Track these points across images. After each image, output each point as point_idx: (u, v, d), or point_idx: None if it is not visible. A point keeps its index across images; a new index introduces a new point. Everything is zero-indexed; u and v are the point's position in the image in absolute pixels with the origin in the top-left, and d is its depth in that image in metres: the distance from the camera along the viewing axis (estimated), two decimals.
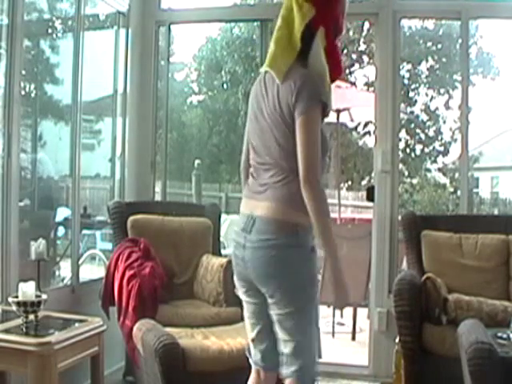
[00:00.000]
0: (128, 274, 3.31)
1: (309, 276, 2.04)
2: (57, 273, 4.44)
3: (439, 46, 13.86)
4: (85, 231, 4.99)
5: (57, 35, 5.02)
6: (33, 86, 4.65)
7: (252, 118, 2.16)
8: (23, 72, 3.38)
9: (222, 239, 4.65)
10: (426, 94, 14.94)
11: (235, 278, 2.20)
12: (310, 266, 2.04)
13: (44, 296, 2.79)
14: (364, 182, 14.73)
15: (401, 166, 9.57)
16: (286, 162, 2.03)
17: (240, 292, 2.22)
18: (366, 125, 14.20)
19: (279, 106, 2.02)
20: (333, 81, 2.08)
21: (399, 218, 3.98)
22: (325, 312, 5.34)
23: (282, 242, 2.00)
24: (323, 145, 2.01)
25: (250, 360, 2.26)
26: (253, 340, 2.22)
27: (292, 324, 2.03)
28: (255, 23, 6.63)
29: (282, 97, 2.01)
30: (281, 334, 2.07)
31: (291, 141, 1.99)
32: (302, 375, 2.05)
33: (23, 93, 3.72)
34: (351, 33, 13.93)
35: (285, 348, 2.07)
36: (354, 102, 6.34)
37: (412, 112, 14.59)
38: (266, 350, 2.18)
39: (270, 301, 2.06)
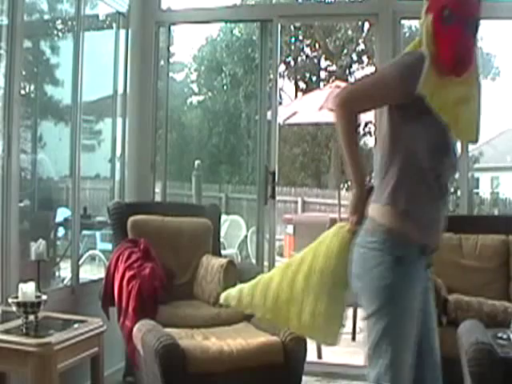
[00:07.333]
0: (128, 274, 3.31)
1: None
2: (57, 273, 4.45)
3: None
4: (85, 232, 4.99)
5: (57, 36, 5.03)
6: (33, 87, 4.66)
7: None
8: (23, 72, 3.39)
9: (221, 240, 4.65)
10: None
11: None
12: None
13: (44, 297, 2.79)
14: None
15: None
16: None
17: None
18: (366, 125, 14.18)
19: None
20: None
21: None
22: None
23: None
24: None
25: None
26: None
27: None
28: (255, 24, 6.61)
29: None
30: None
31: None
32: None
33: (23, 93, 3.73)
34: (350, 32, 13.94)
35: None
36: None
37: None
38: None
39: None
